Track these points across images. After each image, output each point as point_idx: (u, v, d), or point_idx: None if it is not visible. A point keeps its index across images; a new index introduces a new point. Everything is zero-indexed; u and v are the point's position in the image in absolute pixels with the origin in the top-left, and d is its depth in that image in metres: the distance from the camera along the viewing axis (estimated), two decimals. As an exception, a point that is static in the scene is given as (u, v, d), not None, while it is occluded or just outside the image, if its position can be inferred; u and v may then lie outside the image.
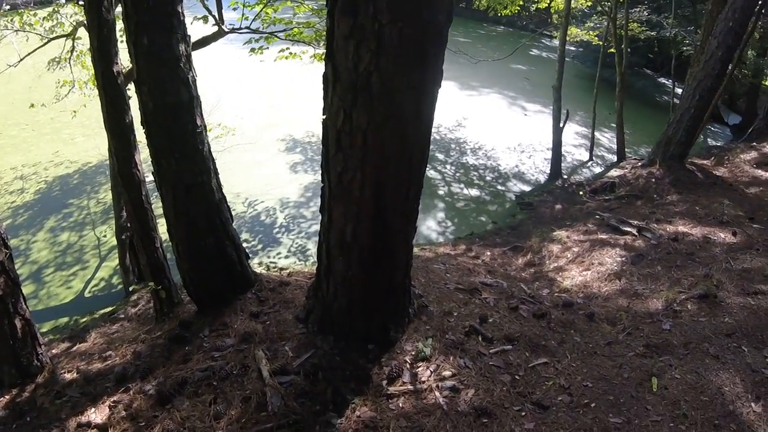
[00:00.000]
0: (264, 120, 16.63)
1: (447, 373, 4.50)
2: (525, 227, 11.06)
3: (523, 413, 4.33)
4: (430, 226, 11.42)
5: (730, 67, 12.49)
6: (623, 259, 7.64)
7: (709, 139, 18.01)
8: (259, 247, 10.47)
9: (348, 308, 4.62)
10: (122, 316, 7.66)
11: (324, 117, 3.78)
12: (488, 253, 9.03)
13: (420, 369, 4.53)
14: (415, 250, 8.88)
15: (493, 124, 17.44)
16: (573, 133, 16.68)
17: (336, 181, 3.94)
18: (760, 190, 10.94)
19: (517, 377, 4.74)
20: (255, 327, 5.10)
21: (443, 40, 3.42)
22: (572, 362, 5.10)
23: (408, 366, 4.54)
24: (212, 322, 5.40)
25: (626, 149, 14.82)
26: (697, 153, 14.88)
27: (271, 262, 9.63)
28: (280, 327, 5.09)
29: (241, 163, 13.34)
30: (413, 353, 4.66)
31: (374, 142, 3.61)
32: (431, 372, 4.50)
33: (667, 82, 24.59)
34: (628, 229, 8.76)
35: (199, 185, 5.32)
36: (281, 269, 8.15)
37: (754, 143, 14.99)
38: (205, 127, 5.36)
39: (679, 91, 16.72)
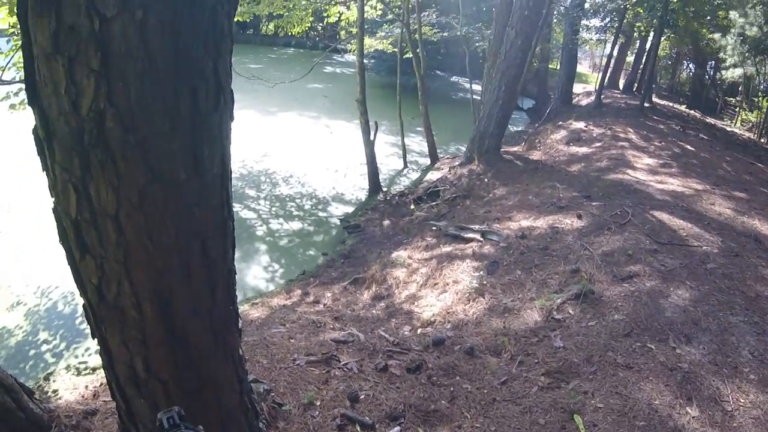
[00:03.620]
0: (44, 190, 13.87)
1: (333, 501, 3.26)
2: (359, 252, 10.05)
3: None
4: (257, 274, 9.95)
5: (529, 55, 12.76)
6: (478, 271, 6.87)
7: (510, 127, 18.56)
8: (63, 345, 8.25)
9: (176, 457, 3.13)
10: None
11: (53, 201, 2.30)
12: (328, 294, 7.84)
13: None
14: (245, 306, 7.52)
15: (300, 148, 16.43)
16: (382, 143, 16.23)
17: (97, 299, 2.45)
18: (582, 166, 11.02)
19: (420, 470, 3.63)
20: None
21: (223, 28, 2.10)
22: (475, 422, 4.10)
23: None
24: None
25: (437, 150, 14.59)
26: (505, 142, 15.01)
27: (80, 363, 7.54)
28: (99, 489, 3.52)
29: (21, 246, 10.77)
30: (281, 490, 3.34)
31: (135, 230, 2.19)
32: None
33: (459, 80, 25.35)
34: (471, 235, 8.08)
35: None
36: (93, 370, 6.33)
37: (560, 122, 15.50)
38: None
39: (476, 87, 16.99)
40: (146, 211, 2.16)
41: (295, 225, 11.98)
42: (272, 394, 4.17)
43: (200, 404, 2.98)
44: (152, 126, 2.01)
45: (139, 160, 2.05)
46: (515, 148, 13.90)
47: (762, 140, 18.06)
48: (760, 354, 4.75)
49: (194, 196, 2.27)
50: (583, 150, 12.51)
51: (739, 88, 22.87)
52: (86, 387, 4.80)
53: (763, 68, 19.72)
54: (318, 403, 4.14)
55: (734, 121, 21.36)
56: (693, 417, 3.98)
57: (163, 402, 2.78)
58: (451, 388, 4.49)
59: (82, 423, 4.22)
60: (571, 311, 5.38)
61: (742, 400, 4.20)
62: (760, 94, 20.53)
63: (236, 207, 12.49)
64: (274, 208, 12.74)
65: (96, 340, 2.72)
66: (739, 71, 19.54)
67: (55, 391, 4.90)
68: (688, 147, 13.18)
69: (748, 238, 7.24)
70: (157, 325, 2.50)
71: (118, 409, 3.17)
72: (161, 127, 2.03)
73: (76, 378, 5.55)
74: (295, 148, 16.42)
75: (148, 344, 2.57)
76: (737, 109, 22.15)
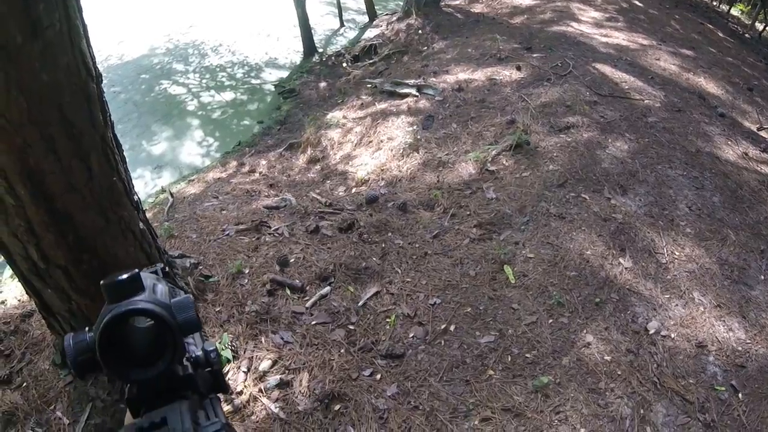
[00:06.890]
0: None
1: (266, 364, 3.27)
2: (295, 118, 9.68)
3: (378, 376, 3.28)
4: (191, 150, 9.52)
5: None
6: (413, 126, 6.66)
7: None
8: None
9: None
10: None
11: None
12: (264, 163, 7.57)
13: (230, 377, 3.19)
14: (182, 184, 7.28)
15: (229, 15, 15.28)
16: (317, 3, 15.29)
17: None
18: (525, 18, 10.61)
19: (351, 328, 3.63)
20: (13, 399, 3.41)
21: None
22: (406, 277, 4.08)
23: (213, 382, 3.14)
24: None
25: (375, 7, 13.88)
26: (447, -7, 14.29)
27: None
28: (41, 386, 3.44)
29: None
30: (214, 360, 3.26)
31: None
32: (245, 374, 3.22)
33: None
34: (407, 90, 7.77)
35: None
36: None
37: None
38: None
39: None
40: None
41: (228, 95, 11.39)
42: (200, 267, 4.02)
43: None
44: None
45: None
46: (458, 1, 13.23)
47: (714, 3, 17.71)
48: (697, 208, 4.78)
49: (38, 59, 2.00)
50: (527, 2, 11.99)
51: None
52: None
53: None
54: (247, 271, 4.02)
55: (688, -17, 20.82)
56: (626, 268, 4.02)
57: (70, 289, 2.66)
58: (383, 245, 4.43)
59: (20, 327, 4.05)
60: (505, 163, 5.28)
61: (677, 253, 4.24)
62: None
63: (164, 83, 11.79)
64: (204, 81, 12.02)
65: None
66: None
67: (3, 302, 4.68)
68: (637, 2, 12.77)
69: (692, 94, 7.17)
70: (36, 208, 2.31)
71: (36, 305, 3.02)
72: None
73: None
74: (223, 16, 15.30)
75: (35, 231, 2.40)
76: (692, -29, 21.51)
